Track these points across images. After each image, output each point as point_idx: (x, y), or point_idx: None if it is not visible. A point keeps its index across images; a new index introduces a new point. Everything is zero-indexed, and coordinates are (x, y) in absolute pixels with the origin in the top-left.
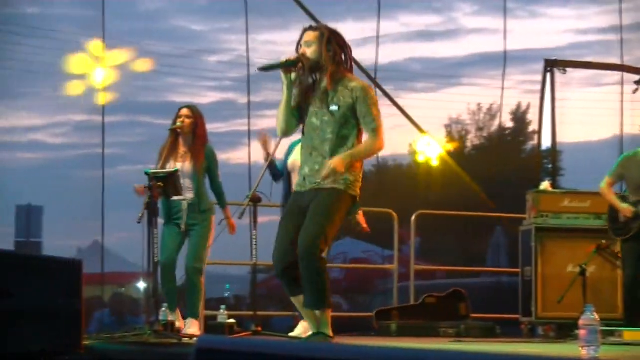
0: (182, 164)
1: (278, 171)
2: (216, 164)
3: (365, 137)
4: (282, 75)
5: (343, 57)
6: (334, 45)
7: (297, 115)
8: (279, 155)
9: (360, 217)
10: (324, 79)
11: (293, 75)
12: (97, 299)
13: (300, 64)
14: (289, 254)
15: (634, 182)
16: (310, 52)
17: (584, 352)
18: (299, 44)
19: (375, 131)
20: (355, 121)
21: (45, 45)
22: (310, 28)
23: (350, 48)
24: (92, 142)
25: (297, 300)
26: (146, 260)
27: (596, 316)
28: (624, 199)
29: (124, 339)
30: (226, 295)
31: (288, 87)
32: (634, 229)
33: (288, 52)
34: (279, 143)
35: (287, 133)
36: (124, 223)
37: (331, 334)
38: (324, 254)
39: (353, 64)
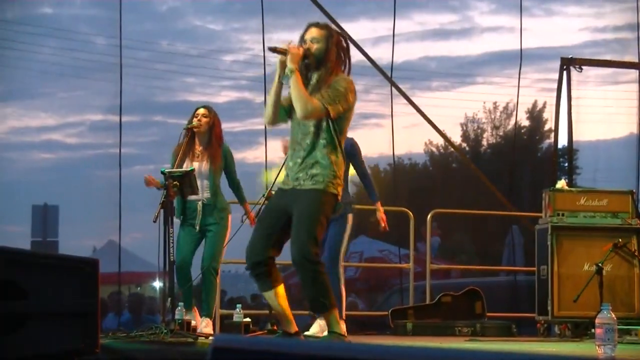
0: (199, 164)
1: None
2: (233, 162)
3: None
4: (279, 62)
5: (344, 59)
6: (340, 48)
7: (287, 109)
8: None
9: (381, 215)
10: (320, 77)
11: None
12: (113, 298)
13: (304, 58)
14: (260, 250)
15: None
16: (315, 48)
17: (600, 350)
18: (302, 37)
19: (321, 103)
20: (336, 116)
21: (62, 45)
22: (317, 25)
23: (349, 51)
24: (108, 142)
25: (268, 296)
26: (162, 259)
27: (613, 315)
28: None
29: (140, 338)
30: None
31: (280, 76)
32: None
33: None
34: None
35: (273, 123)
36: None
37: (344, 331)
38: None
39: (349, 64)
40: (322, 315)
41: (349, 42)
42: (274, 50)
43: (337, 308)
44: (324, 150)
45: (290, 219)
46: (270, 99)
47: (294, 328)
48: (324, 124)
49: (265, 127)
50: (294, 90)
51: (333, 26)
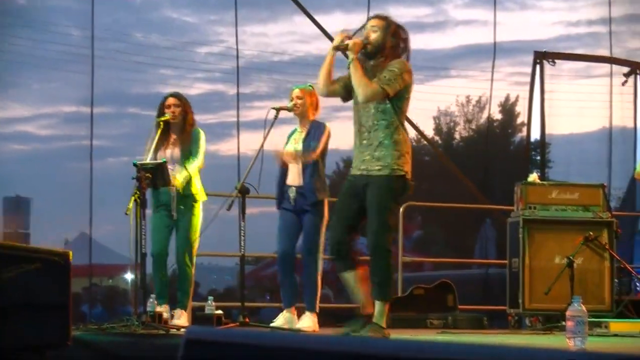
0: (171, 151)
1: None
2: (198, 141)
3: None
4: (331, 47)
5: (402, 47)
6: (398, 37)
7: (343, 92)
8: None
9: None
10: (377, 63)
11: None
12: (85, 290)
13: (364, 47)
14: (339, 232)
15: None
16: (373, 37)
17: (571, 343)
18: (363, 27)
19: (378, 85)
20: (395, 96)
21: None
22: (377, 16)
23: (408, 41)
24: (81, 134)
25: (346, 277)
26: (134, 251)
27: (583, 308)
28: None
29: (112, 330)
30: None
31: (333, 56)
32: None
33: (276, 45)
34: (268, 134)
35: (323, 93)
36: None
37: (385, 325)
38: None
39: (408, 53)
40: (376, 302)
41: (407, 32)
42: (337, 48)
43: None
44: (387, 130)
45: (365, 204)
46: (321, 71)
47: (368, 309)
48: (385, 105)
49: (238, 119)
50: (354, 77)
51: (392, 17)
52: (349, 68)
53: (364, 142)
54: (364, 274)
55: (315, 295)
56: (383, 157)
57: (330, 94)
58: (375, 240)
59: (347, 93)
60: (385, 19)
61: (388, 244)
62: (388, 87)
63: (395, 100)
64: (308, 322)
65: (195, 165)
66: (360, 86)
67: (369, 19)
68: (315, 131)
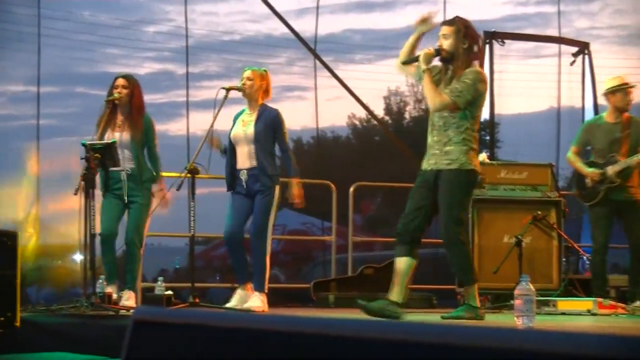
0: (120, 134)
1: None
2: (153, 133)
3: None
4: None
5: (475, 48)
6: (469, 39)
7: (414, 79)
8: (225, 127)
9: (296, 191)
10: (454, 69)
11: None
12: (33, 271)
13: (437, 55)
14: (410, 221)
15: (599, 147)
16: (446, 44)
17: (519, 321)
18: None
19: (449, 97)
20: (467, 105)
21: None
22: (447, 22)
23: (481, 38)
24: (29, 114)
25: (402, 262)
26: (83, 232)
27: (531, 286)
28: (591, 165)
29: (60, 311)
30: (163, 267)
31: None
32: (602, 191)
33: (226, 24)
34: (218, 114)
35: (399, 70)
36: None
37: (478, 304)
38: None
39: (482, 53)
40: (464, 288)
41: (476, 31)
42: (408, 63)
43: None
44: (457, 130)
45: (436, 198)
46: (404, 47)
47: (403, 299)
48: (458, 111)
49: (188, 99)
50: (425, 89)
51: (462, 20)
52: (420, 79)
53: (435, 138)
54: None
55: (264, 275)
56: (452, 152)
57: (402, 72)
58: (447, 233)
59: (418, 81)
60: (455, 23)
61: (460, 235)
62: (458, 99)
63: (467, 108)
64: (257, 302)
65: (159, 163)
66: (431, 97)
67: (440, 25)
68: (267, 117)
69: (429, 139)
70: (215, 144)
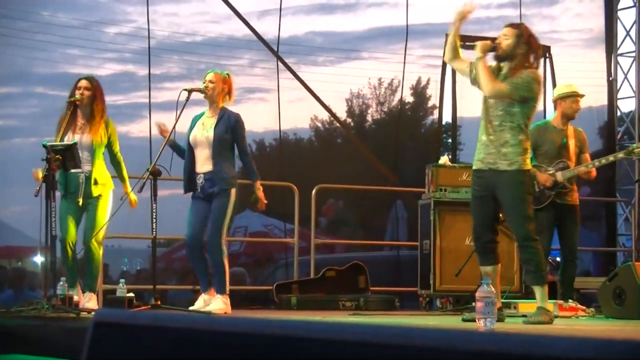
0: (80, 136)
1: (182, 150)
2: (115, 136)
3: None
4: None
5: (532, 57)
6: (530, 46)
7: (464, 73)
8: (182, 128)
9: (260, 193)
10: (509, 68)
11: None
12: None
13: (493, 50)
14: (485, 233)
15: (546, 150)
16: (505, 44)
17: (480, 324)
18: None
19: (505, 86)
20: (522, 102)
21: None
22: (511, 25)
23: (541, 49)
24: None
25: (488, 270)
26: (44, 233)
27: (492, 289)
28: (536, 168)
29: (20, 313)
30: (124, 269)
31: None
32: (550, 197)
33: (187, 25)
34: (179, 115)
35: (450, 64)
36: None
37: (550, 307)
38: None
39: (538, 62)
40: (535, 288)
41: (539, 42)
42: (456, 55)
43: (225, 281)
44: (512, 132)
45: (497, 199)
46: (448, 42)
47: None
48: (514, 109)
49: (150, 100)
50: (480, 73)
51: (526, 27)
52: (472, 74)
53: (491, 137)
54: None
55: (223, 277)
56: (509, 154)
57: (453, 66)
58: (520, 232)
59: (469, 78)
60: (518, 27)
61: (533, 233)
62: (515, 90)
63: (522, 106)
64: (219, 305)
65: (123, 166)
66: (485, 81)
67: (504, 27)
68: (228, 121)
69: (483, 137)
70: (168, 139)
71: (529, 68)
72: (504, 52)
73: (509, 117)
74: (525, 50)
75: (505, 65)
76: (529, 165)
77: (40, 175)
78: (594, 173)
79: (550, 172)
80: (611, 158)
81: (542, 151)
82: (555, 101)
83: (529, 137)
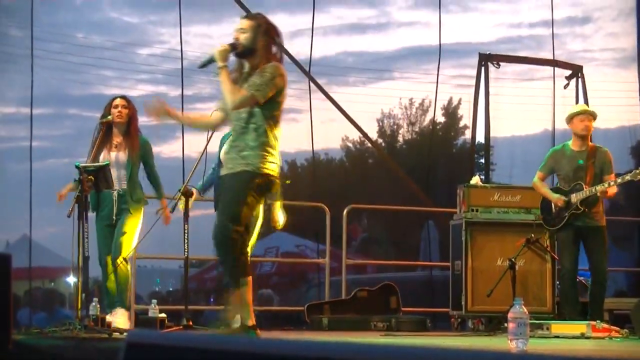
0: (116, 154)
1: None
2: (151, 154)
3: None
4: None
5: (274, 48)
6: (270, 36)
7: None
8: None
9: (275, 213)
10: (251, 65)
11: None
12: (26, 293)
13: (233, 50)
14: None
15: (564, 173)
16: (243, 38)
17: (512, 345)
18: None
19: (247, 92)
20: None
21: None
22: (245, 16)
23: (281, 37)
24: (20, 135)
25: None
26: (76, 254)
27: (525, 309)
28: (557, 191)
29: (53, 334)
30: (156, 289)
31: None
32: (566, 217)
33: (218, 46)
34: (212, 134)
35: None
36: (54, 217)
37: None
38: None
39: (284, 56)
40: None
41: (279, 30)
42: (204, 66)
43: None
44: (254, 134)
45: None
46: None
47: None
48: (255, 109)
49: None
50: (223, 85)
51: (263, 16)
52: (218, 76)
53: (232, 143)
54: None
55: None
56: (248, 157)
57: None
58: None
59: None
60: (254, 17)
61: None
62: (257, 92)
63: (265, 106)
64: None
65: (160, 182)
66: (228, 94)
67: (240, 18)
68: None
69: (225, 146)
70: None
71: (272, 61)
72: (244, 47)
73: (252, 118)
74: (266, 42)
75: (247, 63)
76: (267, 168)
77: (64, 193)
78: (610, 192)
79: (563, 193)
80: (627, 177)
81: (561, 175)
82: (568, 125)
83: (549, 162)
